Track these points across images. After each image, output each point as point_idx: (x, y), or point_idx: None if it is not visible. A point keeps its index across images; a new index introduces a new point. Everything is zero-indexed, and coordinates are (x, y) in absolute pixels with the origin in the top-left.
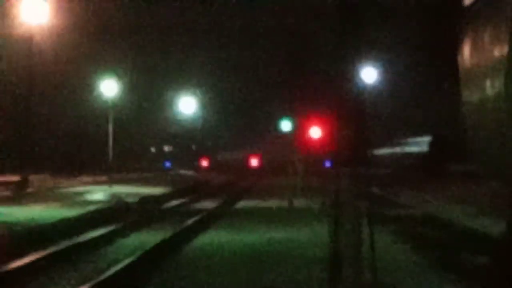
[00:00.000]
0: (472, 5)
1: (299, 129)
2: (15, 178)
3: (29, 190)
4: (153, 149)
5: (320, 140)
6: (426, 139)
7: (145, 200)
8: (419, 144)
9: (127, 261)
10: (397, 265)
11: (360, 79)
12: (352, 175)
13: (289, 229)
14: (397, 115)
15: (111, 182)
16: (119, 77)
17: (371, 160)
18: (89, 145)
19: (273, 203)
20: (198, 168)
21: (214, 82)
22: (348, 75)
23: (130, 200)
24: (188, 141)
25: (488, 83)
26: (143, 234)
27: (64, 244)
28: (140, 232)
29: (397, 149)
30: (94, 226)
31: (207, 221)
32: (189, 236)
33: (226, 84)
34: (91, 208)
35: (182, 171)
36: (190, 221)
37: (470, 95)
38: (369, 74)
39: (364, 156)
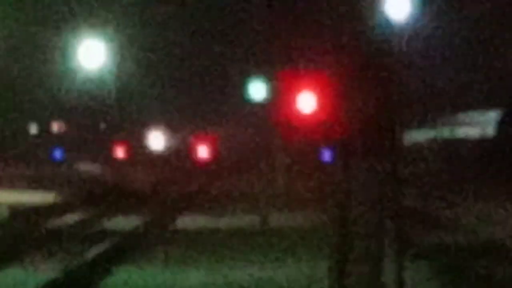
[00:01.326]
0: None
1: (280, 97)
2: None
3: None
4: (33, 129)
5: (315, 116)
6: (491, 116)
7: (17, 215)
8: (480, 125)
9: None
10: None
11: (383, 13)
12: (371, 174)
13: (260, 267)
14: (444, 77)
15: None
16: None
17: (402, 150)
18: None
19: (235, 221)
20: (110, 161)
21: (139, 14)
22: (363, 6)
23: None
24: (93, 116)
25: None
26: (12, 275)
27: None
28: (7, 270)
29: (444, 132)
30: None
31: (120, 252)
32: (91, 277)
33: (159, 19)
34: None
35: (83, 166)
36: (90, 254)
37: None
38: (398, 5)
39: (392, 143)
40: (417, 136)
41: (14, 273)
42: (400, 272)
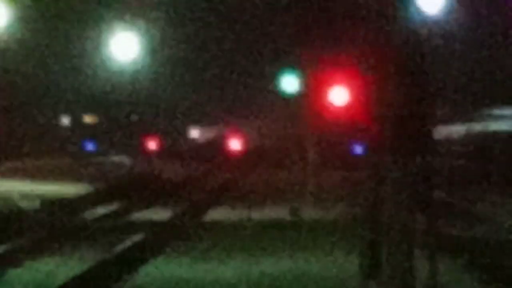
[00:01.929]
0: None
1: (312, 90)
2: None
3: None
4: (65, 121)
5: (347, 109)
6: None
7: (50, 205)
8: None
9: None
10: None
11: (416, 6)
12: (404, 169)
13: (292, 259)
14: (477, 69)
15: None
16: None
17: (434, 144)
18: None
19: (266, 213)
20: (142, 153)
21: (173, 7)
22: (397, 2)
23: (25, 205)
24: (125, 108)
25: None
26: (43, 266)
27: None
28: (38, 261)
29: (477, 127)
30: None
31: (153, 244)
32: (121, 269)
33: (192, 14)
34: None
35: (115, 158)
36: (122, 245)
37: None
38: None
39: (426, 137)
40: (448, 130)
41: (45, 264)
42: (432, 267)
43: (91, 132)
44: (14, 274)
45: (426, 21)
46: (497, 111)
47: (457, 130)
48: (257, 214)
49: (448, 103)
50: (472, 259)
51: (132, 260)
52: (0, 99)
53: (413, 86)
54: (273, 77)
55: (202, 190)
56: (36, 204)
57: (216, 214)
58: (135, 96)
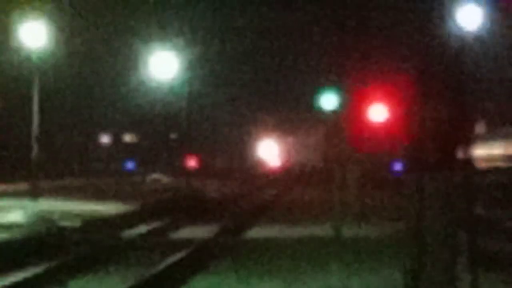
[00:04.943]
0: None
1: (352, 108)
2: None
3: None
4: (106, 140)
5: (386, 127)
6: None
7: (91, 224)
8: None
9: None
10: None
11: (456, 23)
12: (443, 185)
13: (334, 277)
14: None
15: (35, 192)
16: (52, 17)
17: (473, 162)
18: (1, 133)
19: (307, 231)
20: (182, 172)
21: (211, 25)
22: (436, 17)
23: (65, 223)
24: (165, 127)
25: None
26: (84, 285)
27: None
28: (79, 280)
29: None
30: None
31: (194, 263)
32: None
33: (232, 33)
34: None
35: (155, 176)
36: (163, 264)
37: None
38: (470, 16)
39: (466, 153)
40: (489, 146)
41: (86, 283)
42: (474, 283)
43: (131, 151)
44: None
45: (465, 37)
46: None
47: (497, 146)
48: (297, 232)
49: (488, 119)
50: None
51: (173, 278)
52: (41, 119)
53: (452, 102)
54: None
55: (242, 207)
56: (77, 223)
57: (257, 231)
58: (174, 114)
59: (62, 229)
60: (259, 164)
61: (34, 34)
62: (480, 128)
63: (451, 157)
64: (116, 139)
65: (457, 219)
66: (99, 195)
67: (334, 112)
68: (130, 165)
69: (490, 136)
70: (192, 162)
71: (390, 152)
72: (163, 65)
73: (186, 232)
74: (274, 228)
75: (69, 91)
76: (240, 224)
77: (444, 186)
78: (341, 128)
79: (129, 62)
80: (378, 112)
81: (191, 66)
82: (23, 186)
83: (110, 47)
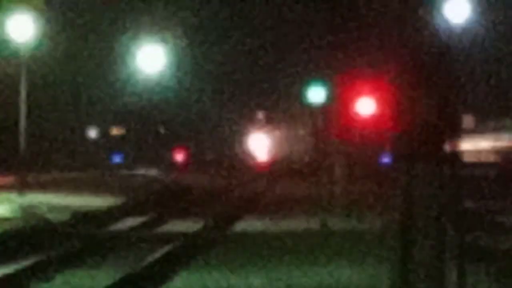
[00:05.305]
0: None
1: (339, 101)
2: None
3: None
4: (93, 133)
5: (374, 119)
6: None
7: (78, 217)
8: None
9: None
10: None
11: (443, 16)
12: (431, 178)
13: (322, 270)
14: (504, 80)
15: (22, 186)
16: (38, 10)
17: (460, 154)
18: None
19: (295, 224)
20: (169, 166)
21: (198, 19)
22: (422, 10)
23: (53, 216)
24: (153, 120)
25: None
26: (72, 279)
27: None
28: (66, 275)
29: (504, 136)
30: None
31: (181, 256)
32: (149, 281)
33: (221, 26)
34: None
35: (142, 170)
36: (150, 257)
37: None
38: (457, 9)
39: (454, 146)
40: (477, 140)
41: (74, 276)
42: (462, 277)
43: (119, 144)
44: (43, 287)
45: (452, 30)
46: None
47: (485, 140)
48: (285, 225)
49: (475, 112)
50: (501, 270)
51: (161, 272)
52: (28, 113)
53: (440, 95)
54: (300, 88)
55: (229, 200)
56: (65, 216)
57: (244, 224)
58: (162, 108)
59: (50, 222)
60: (248, 157)
61: (21, 28)
62: (468, 121)
63: (438, 149)
64: (104, 132)
65: (445, 212)
66: (87, 189)
67: (322, 105)
68: (117, 158)
69: (478, 129)
70: (180, 155)
71: (378, 144)
72: (151, 58)
73: (174, 226)
74: (262, 221)
75: (56, 85)
76: (227, 217)
77: (432, 178)
78: (329, 121)
79: (116, 55)
80: (366, 105)
81: (178, 59)
82: (9, 180)
83: (97, 40)
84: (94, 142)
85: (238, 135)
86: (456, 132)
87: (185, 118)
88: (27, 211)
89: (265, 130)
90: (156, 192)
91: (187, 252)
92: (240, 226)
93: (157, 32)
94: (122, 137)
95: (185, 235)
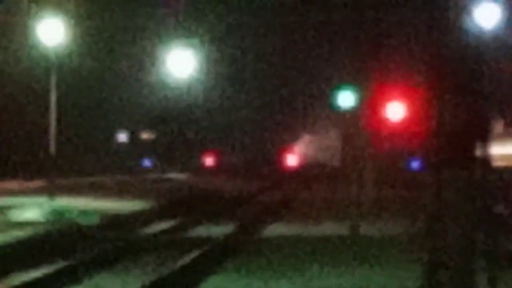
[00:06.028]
0: None
1: (369, 106)
2: None
3: None
4: (122, 137)
5: (404, 125)
6: None
7: (108, 221)
8: None
9: None
10: None
11: (474, 22)
12: (460, 184)
13: (353, 275)
14: None
15: (52, 190)
16: (69, 14)
17: (490, 159)
18: (16, 130)
19: (324, 229)
20: (199, 170)
21: (228, 24)
22: (452, 15)
23: (83, 221)
24: (182, 125)
25: None
26: (101, 282)
27: None
28: (96, 278)
29: None
30: (18, 268)
31: (211, 260)
32: (178, 285)
33: (249, 31)
34: (17, 234)
35: (172, 174)
36: (180, 261)
37: None
38: (487, 14)
39: (483, 151)
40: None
41: (103, 280)
42: (492, 282)
43: (148, 148)
44: None
45: (482, 35)
46: None
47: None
48: (314, 230)
49: (506, 119)
50: None
51: (190, 276)
52: (59, 117)
53: (470, 100)
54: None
55: (259, 204)
56: (95, 220)
57: (274, 229)
58: (192, 112)
59: (80, 226)
60: (277, 161)
61: (51, 31)
62: (498, 127)
63: (469, 155)
64: (133, 136)
65: (476, 217)
66: (117, 193)
67: (352, 110)
68: (147, 162)
69: (508, 134)
70: (210, 160)
71: (407, 150)
72: (181, 63)
73: (203, 230)
74: (291, 227)
75: (86, 89)
76: (257, 222)
77: (462, 184)
78: (358, 126)
79: (146, 60)
80: (395, 110)
81: (208, 64)
82: (39, 183)
83: (127, 44)
84: (124, 146)
85: (268, 139)
86: (486, 137)
87: (214, 122)
88: (58, 215)
89: (294, 134)
90: (186, 196)
91: (217, 256)
92: (269, 230)
93: (186, 37)
94: (152, 141)
95: (215, 239)
